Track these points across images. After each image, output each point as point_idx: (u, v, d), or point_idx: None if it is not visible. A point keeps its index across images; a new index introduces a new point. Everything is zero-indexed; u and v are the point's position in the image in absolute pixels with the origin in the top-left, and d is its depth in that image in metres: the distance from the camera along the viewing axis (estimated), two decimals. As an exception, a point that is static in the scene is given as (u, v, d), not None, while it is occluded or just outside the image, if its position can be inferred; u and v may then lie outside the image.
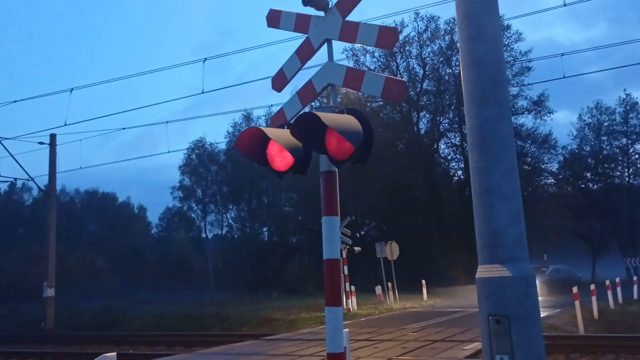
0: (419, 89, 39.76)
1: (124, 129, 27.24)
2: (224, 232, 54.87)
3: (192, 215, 56.93)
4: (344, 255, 20.01)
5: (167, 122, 26.70)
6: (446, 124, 41.05)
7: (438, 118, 40.76)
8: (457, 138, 39.80)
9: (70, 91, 20.84)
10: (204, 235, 56.50)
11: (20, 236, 62.97)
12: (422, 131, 41.25)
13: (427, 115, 41.18)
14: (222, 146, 49.92)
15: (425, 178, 37.98)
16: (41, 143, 25.83)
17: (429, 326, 13.64)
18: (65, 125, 21.57)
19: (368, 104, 37.09)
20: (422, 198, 38.01)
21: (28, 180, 26.48)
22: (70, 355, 15.28)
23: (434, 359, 8.89)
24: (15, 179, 27.94)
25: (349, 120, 3.71)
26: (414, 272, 27.01)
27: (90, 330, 22.49)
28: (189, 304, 30.21)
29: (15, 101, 21.53)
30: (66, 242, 44.37)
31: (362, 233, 38.80)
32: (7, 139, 23.93)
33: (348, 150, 3.66)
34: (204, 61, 18.02)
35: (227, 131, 48.83)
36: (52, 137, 26.13)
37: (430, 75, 39.66)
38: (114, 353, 3.60)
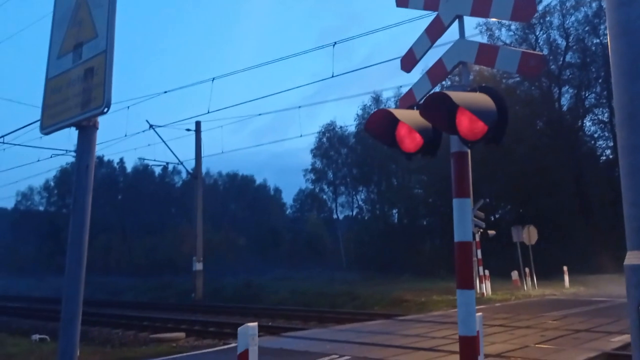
0: (561, 62, 36.93)
1: (259, 114, 28.64)
2: (354, 213, 55.75)
3: (324, 196, 58.51)
4: (477, 239, 19.41)
5: (299, 107, 27.66)
6: (592, 99, 37.76)
7: (583, 93, 37.61)
8: (606, 114, 36.45)
9: (212, 80, 22.27)
10: (335, 216, 57.85)
11: (172, 215, 69.21)
12: (565, 108, 38.34)
13: (571, 90, 38.15)
14: (352, 129, 50.49)
15: (568, 158, 35.34)
16: (188, 130, 28.06)
17: (571, 315, 12.83)
18: (209, 112, 23.21)
19: (503, 81, 35.24)
20: (564, 179, 35.48)
21: (178, 164, 28.97)
22: (217, 324, 16.57)
23: (577, 350, 8.37)
24: (167, 163, 30.72)
25: (482, 99, 3.60)
26: (553, 258, 25.39)
27: (233, 302, 24.19)
28: (322, 282, 31.25)
29: (165, 92, 23.54)
30: (211, 221, 47.87)
31: (496, 216, 37.21)
32: (160, 126, 26.29)
33: (481, 130, 3.56)
34: (333, 45, 18.29)
35: (357, 114, 49.33)
36: (197, 124, 28.24)
37: (574, 47, 36.63)
38: (255, 323, 3.86)
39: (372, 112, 4.15)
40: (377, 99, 46.86)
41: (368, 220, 51.84)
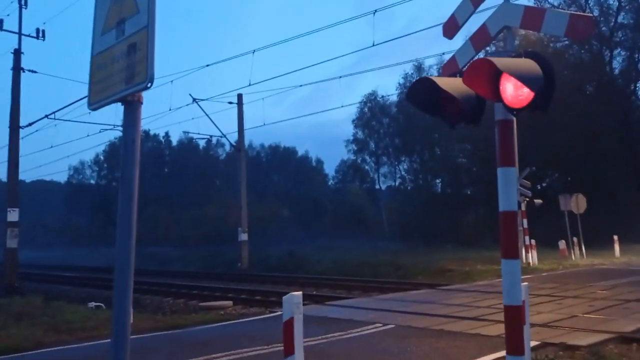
0: (612, 24, 35.21)
1: (300, 86, 28.60)
2: (397, 183, 55.40)
3: (366, 167, 58.32)
4: (523, 208, 19.06)
5: (340, 77, 27.13)
6: (647, 61, 35.98)
7: (636, 55, 35.84)
8: (662, 77, 34.75)
9: (253, 52, 22.29)
10: (377, 186, 57.67)
11: (217, 187, 70.52)
12: (616, 71, 36.66)
13: (623, 53, 36.38)
14: (394, 98, 49.78)
15: (619, 124, 33.96)
16: (230, 103, 28.28)
17: (620, 285, 12.52)
18: (250, 85, 23.23)
19: (551, 45, 33.92)
20: (614, 146, 34.20)
21: (221, 137, 29.39)
22: (263, 292, 16.94)
23: (626, 320, 8.19)
24: (211, 136, 31.23)
25: (528, 65, 3.49)
26: (603, 227, 24.68)
27: (278, 271, 24.62)
28: (365, 252, 31.39)
29: (207, 65, 23.68)
30: (255, 193, 48.52)
31: (543, 185, 36.26)
32: (203, 100, 26.54)
33: (526, 97, 3.47)
34: (373, 13, 17.97)
35: (398, 83, 48.39)
36: (239, 97, 28.41)
37: (627, 7, 34.80)
38: (300, 292, 3.94)
39: (414, 80, 4.10)
40: (419, 68, 45.95)
41: (411, 190, 51.47)
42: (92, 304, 13.11)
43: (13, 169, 20.26)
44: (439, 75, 4.43)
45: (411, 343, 7.28)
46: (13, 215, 19.47)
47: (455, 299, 11.36)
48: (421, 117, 39.22)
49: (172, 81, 23.07)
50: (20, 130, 20.69)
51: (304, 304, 4.21)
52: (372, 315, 9.63)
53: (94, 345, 7.94)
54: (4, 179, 21.78)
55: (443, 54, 37.25)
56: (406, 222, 47.07)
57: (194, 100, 26.17)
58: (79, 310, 11.77)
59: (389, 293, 13.96)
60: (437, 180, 49.21)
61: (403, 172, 54.62)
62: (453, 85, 3.79)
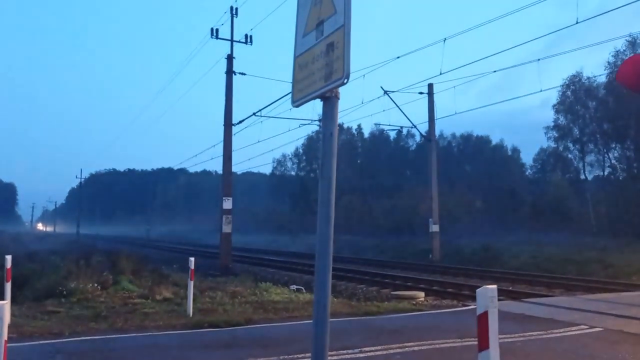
0: None
1: (494, 71, 26.94)
2: (605, 173, 49.90)
3: (569, 155, 53.52)
4: None
5: (539, 59, 24.84)
6: None
7: None
8: None
9: (444, 41, 21.84)
10: (582, 176, 52.62)
11: (407, 177, 70.91)
12: None
13: None
14: (601, 79, 44.68)
15: None
16: (420, 93, 28.17)
17: None
18: (441, 74, 22.74)
19: None
20: None
21: (411, 127, 29.49)
22: (455, 285, 16.69)
23: None
24: (401, 127, 31.56)
25: None
26: None
27: (471, 264, 23.97)
28: (567, 247, 28.98)
29: (398, 57, 23.83)
30: (446, 183, 47.67)
31: None
32: (393, 91, 26.86)
33: None
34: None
35: (607, 61, 43.28)
36: (430, 86, 28.17)
37: None
38: (495, 286, 3.80)
39: (625, 59, 3.68)
40: (632, 43, 40.57)
41: (623, 180, 46.00)
42: (294, 287, 14.18)
43: (227, 161, 22.80)
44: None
45: (623, 350, 6.57)
46: (227, 204, 21.93)
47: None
48: (635, 98, 34.73)
49: (364, 75, 23.67)
50: (233, 127, 23.15)
51: (499, 300, 4.06)
52: (577, 316, 8.90)
53: (296, 324, 8.61)
54: (220, 171, 24.54)
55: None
56: (617, 215, 42.23)
57: (385, 92, 26.61)
58: (282, 292, 12.85)
59: (595, 293, 12.76)
60: (657, 169, 43.21)
61: (613, 161, 49.05)
62: (677, 60, 3.32)
